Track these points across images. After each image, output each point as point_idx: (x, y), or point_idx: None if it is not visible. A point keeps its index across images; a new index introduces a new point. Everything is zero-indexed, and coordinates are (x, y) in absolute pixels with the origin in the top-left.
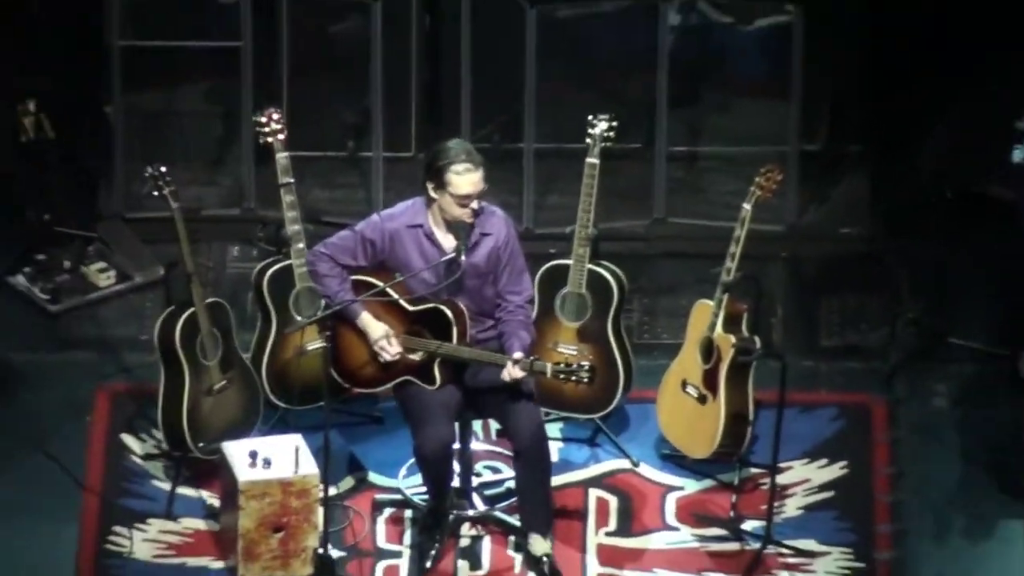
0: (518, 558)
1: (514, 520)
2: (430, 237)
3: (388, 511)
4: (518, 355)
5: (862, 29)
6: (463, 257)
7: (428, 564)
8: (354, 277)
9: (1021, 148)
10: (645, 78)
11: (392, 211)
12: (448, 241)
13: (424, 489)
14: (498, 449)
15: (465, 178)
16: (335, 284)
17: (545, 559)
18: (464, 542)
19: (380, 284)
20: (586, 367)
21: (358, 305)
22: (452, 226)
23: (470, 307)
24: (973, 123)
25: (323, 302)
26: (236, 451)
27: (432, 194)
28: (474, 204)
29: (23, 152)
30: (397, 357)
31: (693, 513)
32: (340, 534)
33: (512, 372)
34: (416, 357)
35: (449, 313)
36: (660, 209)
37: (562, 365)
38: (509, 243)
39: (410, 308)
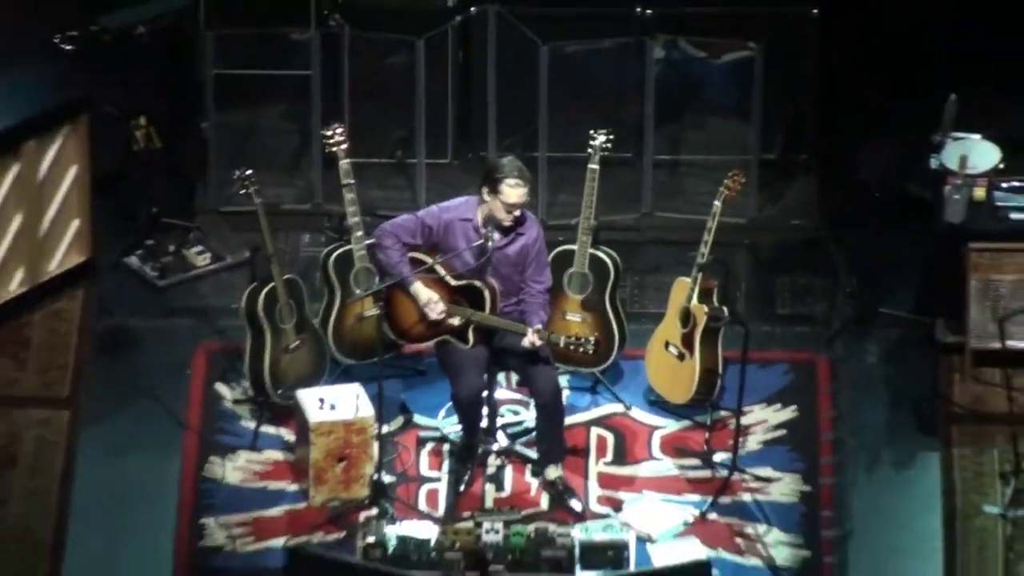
0: (534, 483)
1: (531, 453)
2: (476, 230)
3: (430, 445)
4: (538, 326)
5: (808, 63)
6: (489, 244)
7: (462, 488)
8: (411, 254)
9: (935, 157)
10: (635, 101)
11: (449, 204)
12: (494, 237)
13: (459, 428)
14: (518, 396)
15: (515, 191)
16: (396, 256)
17: (558, 480)
18: (491, 470)
19: (430, 261)
20: (592, 341)
21: (411, 275)
22: (495, 223)
23: (500, 287)
24: (898, 137)
25: (379, 284)
26: (308, 397)
27: (485, 197)
28: (516, 212)
29: (135, 159)
30: (442, 318)
31: (674, 447)
32: (391, 464)
33: (531, 339)
34: (455, 321)
35: (485, 290)
36: (647, 205)
37: (572, 338)
38: (537, 242)
39: (453, 282)
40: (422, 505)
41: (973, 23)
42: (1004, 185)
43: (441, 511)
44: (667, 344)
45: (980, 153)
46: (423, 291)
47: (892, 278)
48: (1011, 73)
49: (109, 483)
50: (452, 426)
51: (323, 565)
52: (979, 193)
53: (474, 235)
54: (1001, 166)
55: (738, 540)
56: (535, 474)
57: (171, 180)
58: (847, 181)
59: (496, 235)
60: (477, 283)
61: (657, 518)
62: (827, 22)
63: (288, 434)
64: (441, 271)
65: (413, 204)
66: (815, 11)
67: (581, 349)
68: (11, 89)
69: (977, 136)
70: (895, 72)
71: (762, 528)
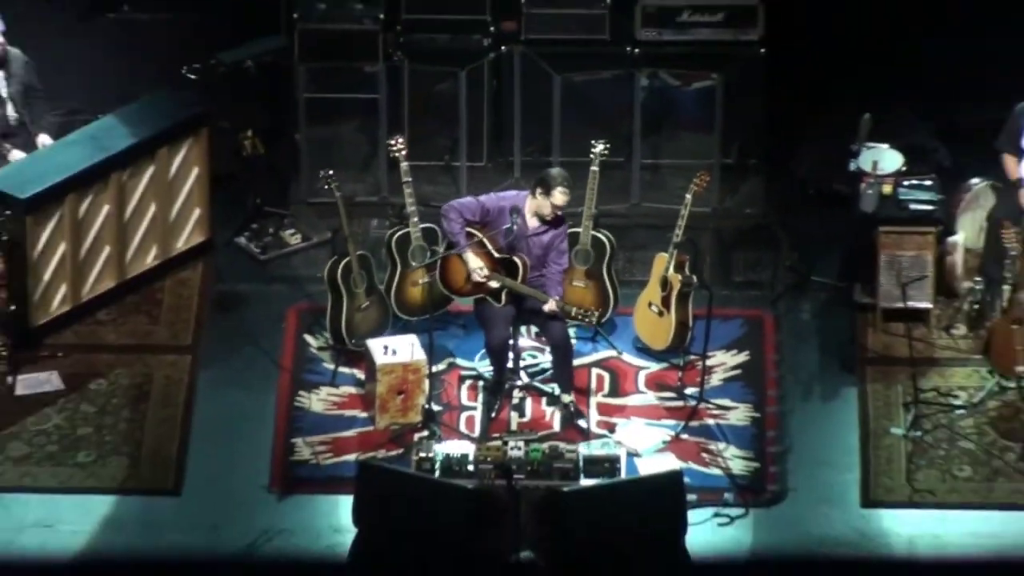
0: (549, 410)
1: (546, 388)
2: (521, 219)
3: (468, 382)
4: (556, 299)
5: (757, 89)
6: (514, 228)
7: (492, 415)
8: (469, 226)
9: (854, 161)
10: (626, 118)
11: (505, 194)
12: (533, 222)
13: (490, 368)
14: (536, 344)
15: (563, 197)
16: (457, 227)
17: (570, 403)
18: (515, 401)
19: (480, 235)
20: (595, 313)
21: (466, 244)
22: (539, 216)
23: (530, 263)
24: (826, 145)
25: (432, 253)
26: (375, 345)
27: (537, 196)
28: (559, 211)
29: (244, 162)
30: (484, 280)
31: (655, 383)
32: (438, 396)
33: (551, 307)
34: (494, 284)
35: (519, 263)
36: (635, 198)
37: (581, 309)
38: (561, 234)
39: (496, 255)
40: (462, 428)
41: (884, 59)
42: (905, 183)
43: (476, 433)
44: (650, 304)
45: (887, 159)
46: (472, 259)
47: (822, 253)
48: (912, 97)
49: (221, 412)
50: (485, 367)
51: (385, 475)
52: (887, 189)
53: (519, 221)
54: (903, 169)
55: (703, 455)
56: (550, 404)
57: (271, 178)
58: (787, 179)
59: (533, 223)
60: (515, 258)
61: (642, 438)
62: (773, 57)
63: (359, 373)
64: (488, 245)
65: (456, 196)
66: (763, 50)
67: (586, 319)
68: (150, 107)
69: (885, 145)
70: (824, 94)
71: (722, 445)
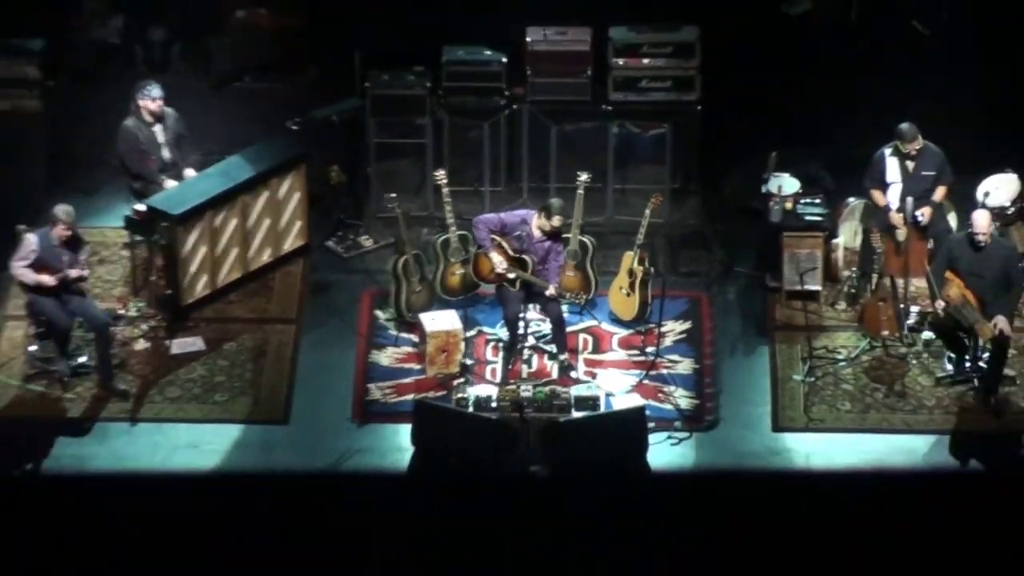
0: (550, 364)
1: (548, 348)
2: (529, 231)
3: (492, 342)
4: (554, 286)
5: (693, 134)
6: (524, 236)
7: (509, 367)
8: (492, 234)
9: (765, 185)
10: (602, 156)
11: (517, 212)
12: (537, 233)
13: (507, 334)
14: (540, 317)
15: (558, 221)
16: (483, 235)
17: (564, 360)
18: (524, 357)
19: (500, 240)
20: (583, 297)
21: (490, 246)
22: (542, 231)
23: (536, 260)
24: (744, 173)
25: (466, 253)
26: (425, 317)
27: (541, 217)
28: (554, 229)
29: (331, 188)
30: (503, 271)
31: (625, 344)
32: (471, 353)
33: (551, 292)
34: (511, 275)
35: (528, 260)
36: (610, 212)
37: (573, 294)
38: (556, 244)
39: (512, 254)
40: (487, 376)
41: (785, 111)
42: (802, 201)
43: (498, 380)
44: (620, 288)
45: (788, 184)
46: (495, 256)
47: (742, 251)
48: (805, 138)
49: (316, 365)
50: (503, 333)
51: (433, 410)
52: (788, 206)
53: (527, 233)
54: (800, 191)
55: (660, 395)
56: (550, 358)
57: (350, 199)
58: (717, 199)
59: (537, 234)
60: (525, 256)
61: (616, 383)
62: (706, 111)
63: (414, 338)
64: (506, 247)
65: (481, 211)
66: (699, 107)
67: (575, 300)
68: (264, 149)
69: (787, 174)
70: (742, 137)
71: (672, 388)
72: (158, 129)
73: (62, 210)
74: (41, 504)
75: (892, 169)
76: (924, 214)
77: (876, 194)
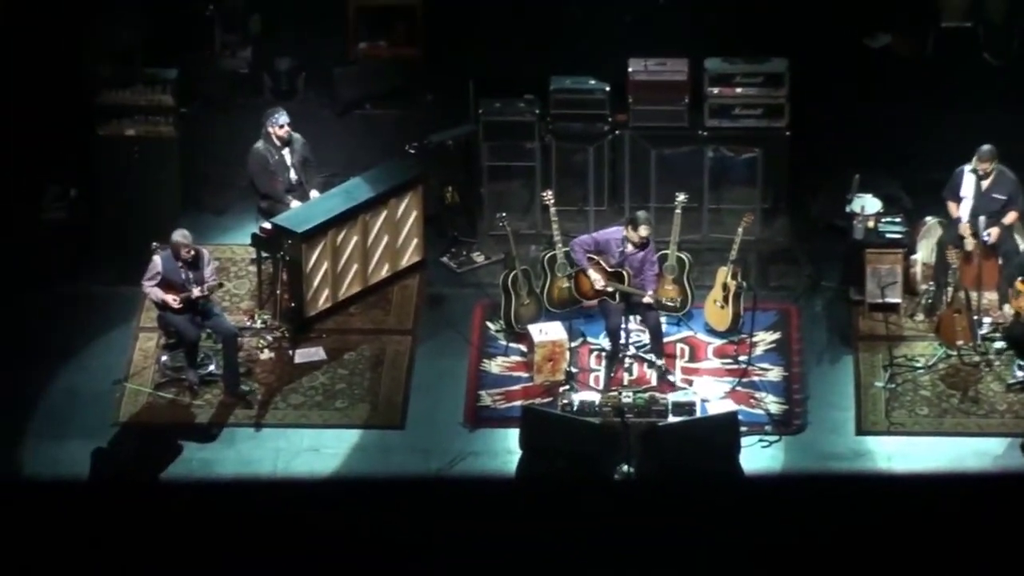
0: (649, 371)
1: (648, 357)
2: (622, 245)
3: (595, 351)
4: (651, 293)
5: (782, 158)
6: (624, 256)
7: (611, 374)
8: (588, 255)
9: (849, 205)
10: (698, 177)
11: (610, 230)
12: (629, 247)
13: (609, 343)
14: (639, 328)
15: (645, 230)
16: (580, 257)
17: (661, 365)
18: (626, 365)
19: (597, 259)
20: (678, 303)
21: (588, 265)
22: (632, 243)
23: (632, 272)
24: (830, 194)
25: (571, 268)
26: (533, 328)
27: (629, 231)
28: (642, 240)
29: (446, 207)
30: (602, 287)
31: (720, 353)
32: (575, 361)
33: (648, 300)
34: (610, 289)
35: (624, 273)
36: (704, 230)
37: (665, 301)
38: (650, 253)
39: (609, 269)
40: (591, 383)
41: (867, 136)
42: (883, 220)
43: (601, 386)
44: (715, 300)
45: (870, 204)
46: (594, 273)
47: (828, 267)
48: (886, 162)
49: (431, 373)
50: (606, 343)
51: (540, 415)
52: (871, 224)
53: (622, 248)
54: (881, 211)
55: (752, 400)
56: (649, 366)
57: (464, 218)
58: (806, 218)
59: (630, 247)
60: (621, 270)
61: (711, 389)
62: (795, 137)
63: (523, 348)
64: (603, 264)
65: (586, 230)
66: (788, 133)
67: (671, 307)
68: (384, 172)
69: (869, 195)
70: (828, 160)
71: (763, 395)
72: (286, 153)
73: (179, 234)
74: (168, 505)
75: (967, 185)
76: (992, 234)
77: (951, 205)
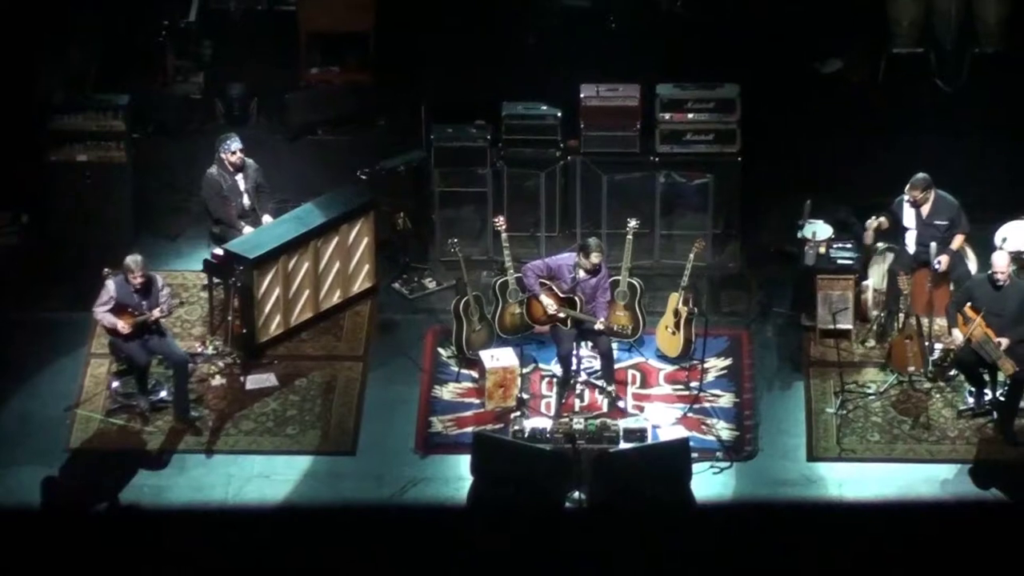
0: (601, 398)
1: (599, 383)
2: (574, 271)
3: (546, 378)
4: (602, 320)
5: (734, 184)
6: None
7: (562, 400)
8: (540, 280)
9: (800, 231)
10: (650, 203)
11: (561, 256)
12: (581, 273)
13: (560, 369)
14: (591, 354)
15: (596, 257)
16: (532, 282)
17: (612, 391)
18: (577, 391)
19: (549, 284)
20: (629, 330)
21: (540, 290)
22: (583, 269)
23: (585, 298)
24: (781, 220)
25: (522, 294)
26: (485, 354)
27: (580, 257)
28: (593, 266)
29: (397, 233)
30: (554, 312)
31: (671, 379)
32: (527, 387)
33: (599, 326)
34: (562, 315)
35: (576, 299)
36: (657, 256)
37: (618, 327)
38: (603, 278)
39: (561, 295)
40: (542, 409)
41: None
42: (834, 246)
43: (552, 412)
44: (666, 326)
45: (822, 230)
46: (546, 298)
47: (779, 292)
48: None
49: (382, 399)
50: (557, 369)
51: (492, 441)
52: (822, 250)
53: (573, 274)
54: (832, 236)
55: (703, 427)
56: (600, 392)
57: (416, 244)
58: (756, 243)
59: (582, 273)
60: (574, 296)
61: (662, 416)
62: (746, 162)
63: (474, 374)
64: (555, 289)
65: (538, 255)
66: (739, 158)
67: (623, 335)
68: (336, 198)
69: (820, 221)
70: (779, 186)
71: (715, 421)
72: (239, 178)
73: (132, 260)
74: (120, 531)
75: (908, 216)
76: (942, 262)
77: (883, 219)
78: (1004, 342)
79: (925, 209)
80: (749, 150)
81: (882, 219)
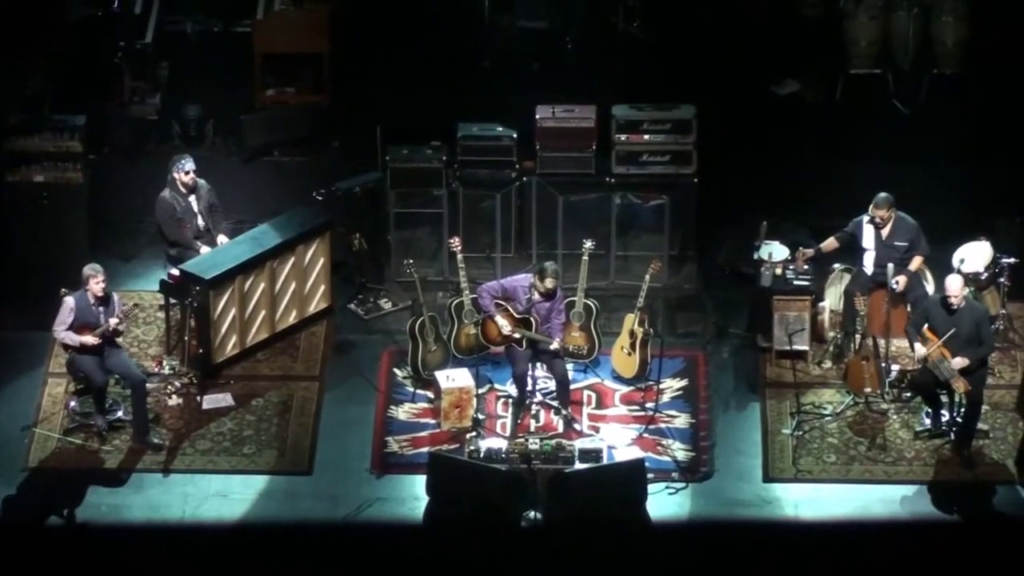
0: (555, 418)
1: (555, 404)
2: (529, 292)
3: (502, 398)
4: (558, 340)
5: (690, 205)
6: (530, 299)
7: (518, 421)
8: (496, 300)
9: (756, 252)
10: (606, 224)
11: (517, 278)
12: (536, 296)
13: (516, 390)
14: (546, 375)
15: (551, 282)
16: (487, 303)
17: (568, 414)
18: (533, 412)
19: (505, 305)
20: (584, 350)
21: (495, 311)
22: (538, 292)
23: (540, 320)
24: (737, 241)
25: (478, 314)
26: (440, 375)
27: (536, 280)
28: (548, 291)
29: (353, 254)
30: (509, 333)
31: (626, 399)
32: (482, 408)
33: (555, 346)
34: (517, 335)
35: (532, 320)
36: (612, 277)
37: (574, 348)
38: (558, 301)
39: (516, 316)
40: (498, 430)
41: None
42: (790, 267)
43: (508, 433)
44: (622, 347)
45: (778, 251)
46: (501, 319)
47: (735, 314)
48: (794, 210)
49: (338, 419)
50: (512, 389)
51: (447, 462)
52: (778, 271)
53: (528, 296)
54: (788, 258)
55: (659, 447)
56: (556, 413)
57: (371, 265)
58: (712, 265)
59: (537, 296)
60: (529, 317)
61: (617, 436)
62: (702, 184)
63: (430, 394)
64: (510, 310)
65: (493, 276)
66: (695, 180)
67: (579, 355)
68: (291, 218)
69: (777, 242)
70: (735, 208)
71: (670, 441)
72: (192, 199)
73: (91, 267)
74: (78, 548)
75: (868, 236)
76: (899, 282)
77: (829, 241)
78: (963, 362)
79: (885, 231)
80: (705, 171)
81: (809, 251)
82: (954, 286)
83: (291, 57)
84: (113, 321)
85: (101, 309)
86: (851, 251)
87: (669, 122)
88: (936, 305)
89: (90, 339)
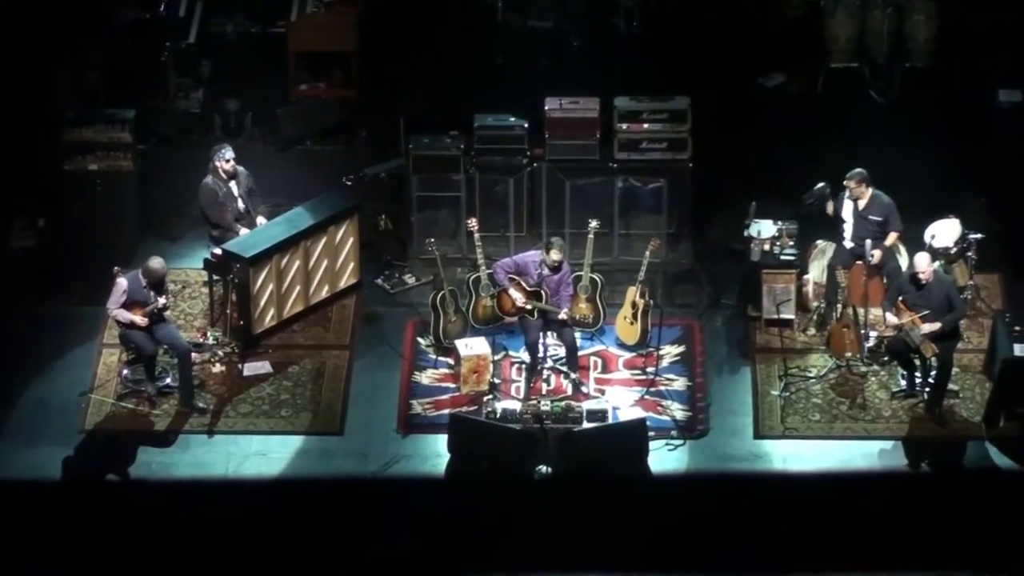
0: (564, 382)
1: (564, 369)
2: (540, 267)
3: (516, 364)
4: (566, 311)
5: (686, 187)
6: (542, 277)
7: (530, 384)
8: (510, 275)
9: (747, 229)
10: (609, 206)
11: (528, 253)
12: (545, 270)
13: (528, 356)
14: (556, 342)
15: (556, 255)
16: (502, 277)
17: (575, 377)
18: (544, 376)
19: (518, 279)
20: (590, 319)
21: (509, 285)
22: (548, 265)
23: (549, 292)
24: (729, 220)
25: (494, 288)
26: (460, 343)
27: (543, 254)
28: (555, 262)
29: (380, 234)
30: (522, 304)
31: (629, 365)
32: (498, 373)
33: (563, 317)
34: (529, 307)
35: (543, 292)
36: (616, 253)
37: (580, 317)
38: (565, 274)
39: (528, 288)
40: (512, 393)
41: (763, 166)
42: (778, 244)
43: (521, 395)
44: (625, 317)
45: (767, 228)
46: (514, 292)
47: (727, 286)
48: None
49: (367, 384)
50: (525, 355)
51: (466, 422)
52: (767, 247)
53: (540, 271)
54: (777, 235)
55: (659, 408)
56: (565, 377)
57: (397, 243)
58: (706, 241)
59: (546, 269)
60: (539, 290)
61: (621, 398)
62: (697, 168)
63: (450, 361)
64: (523, 284)
65: (507, 253)
66: (691, 164)
67: (584, 323)
68: (323, 201)
69: (769, 221)
70: (727, 189)
71: (670, 403)
72: (233, 185)
73: (157, 262)
74: (131, 503)
75: (846, 209)
76: (875, 255)
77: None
78: (932, 327)
79: (861, 203)
80: (699, 157)
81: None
82: (922, 263)
83: (322, 55)
84: (161, 300)
85: (151, 294)
86: (835, 223)
87: (666, 112)
88: (907, 281)
89: (139, 319)
